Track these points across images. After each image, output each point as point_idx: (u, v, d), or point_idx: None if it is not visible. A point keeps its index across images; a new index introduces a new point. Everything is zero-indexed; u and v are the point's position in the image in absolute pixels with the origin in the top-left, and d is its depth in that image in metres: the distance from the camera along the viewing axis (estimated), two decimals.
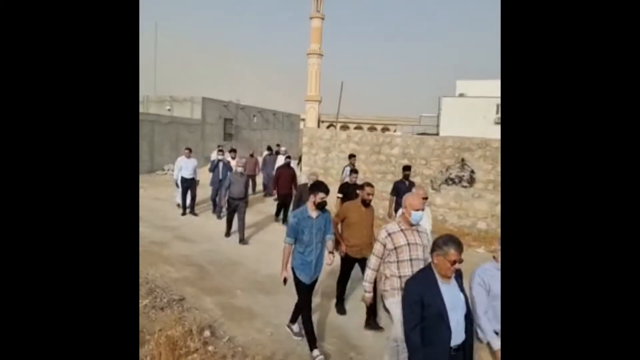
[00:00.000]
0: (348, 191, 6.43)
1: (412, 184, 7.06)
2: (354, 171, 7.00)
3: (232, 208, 7.24)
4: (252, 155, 12.03)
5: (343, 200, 6.42)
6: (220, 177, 8.74)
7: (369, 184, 4.54)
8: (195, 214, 8.98)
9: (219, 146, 11.92)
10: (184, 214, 8.92)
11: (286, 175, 8.72)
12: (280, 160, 11.03)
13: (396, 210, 6.48)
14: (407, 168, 7.30)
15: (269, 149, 13.57)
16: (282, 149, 12.24)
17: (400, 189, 6.83)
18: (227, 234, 7.46)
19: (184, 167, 8.75)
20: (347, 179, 6.92)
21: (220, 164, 8.91)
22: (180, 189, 8.91)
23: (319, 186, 3.64)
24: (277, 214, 9.00)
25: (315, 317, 4.36)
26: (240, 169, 7.27)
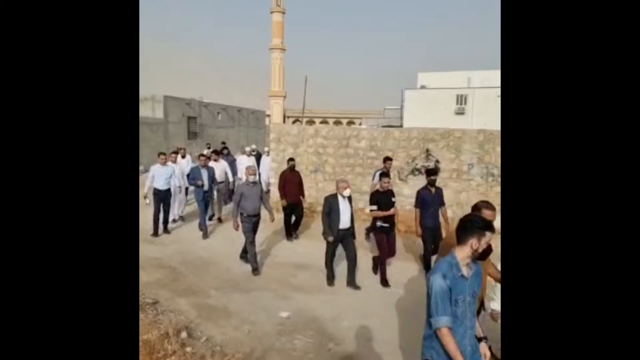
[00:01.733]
0: (381, 201, 5.15)
1: (439, 191, 5.61)
2: (384, 174, 5.43)
3: (251, 227, 5.65)
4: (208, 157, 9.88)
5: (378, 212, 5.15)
6: (206, 188, 7.56)
7: (489, 204, 2.87)
8: (168, 232, 7.54)
9: (179, 148, 9.93)
10: (155, 234, 7.26)
11: (293, 180, 7.33)
12: (244, 161, 10.23)
13: (422, 225, 5.37)
14: (431, 172, 5.56)
15: (224, 148, 11.06)
16: (248, 148, 10.95)
17: (426, 199, 5.39)
18: (255, 267, 5.62)
19: (157, 176, 7.27)
20: (378, 186, 5.48)
21: (204, 172, 7.54)
22: (152, 203, 7.33)
23: (483, 222, 2.14)
24: (289, 233, 7.31)
25: (292, 311, 4.42)
26: (252, 178, 5.72)
